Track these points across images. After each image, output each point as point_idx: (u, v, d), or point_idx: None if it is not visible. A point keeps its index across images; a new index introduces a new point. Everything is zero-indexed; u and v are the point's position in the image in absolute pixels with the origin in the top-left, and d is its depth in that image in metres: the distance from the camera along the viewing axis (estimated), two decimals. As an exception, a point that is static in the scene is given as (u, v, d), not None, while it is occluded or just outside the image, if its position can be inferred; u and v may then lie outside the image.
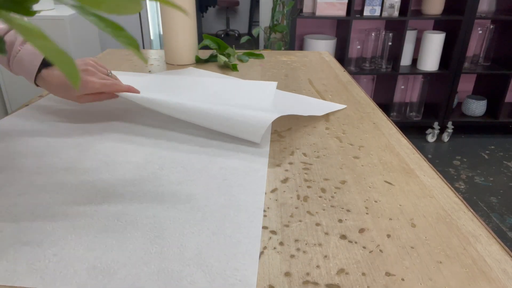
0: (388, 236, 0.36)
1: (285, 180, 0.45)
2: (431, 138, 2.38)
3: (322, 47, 2.19)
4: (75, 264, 0.31)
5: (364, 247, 0.34)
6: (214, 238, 0.35)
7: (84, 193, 0.41)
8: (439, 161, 2.15)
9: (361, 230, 0.37)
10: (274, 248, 0.34)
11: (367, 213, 0.39)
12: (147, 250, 0.33)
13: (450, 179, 1.97)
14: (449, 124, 2.36)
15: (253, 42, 4.50)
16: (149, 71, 0.86)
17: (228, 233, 0.36)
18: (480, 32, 2.28)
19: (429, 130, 2.38)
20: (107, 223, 0.36)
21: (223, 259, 0.32)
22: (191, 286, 0.30)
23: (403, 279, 0.31)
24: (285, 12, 2.10)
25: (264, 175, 0.45)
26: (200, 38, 3.61)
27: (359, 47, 2.34)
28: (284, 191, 0.43)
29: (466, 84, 2.53)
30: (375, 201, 0.41)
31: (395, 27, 2.21)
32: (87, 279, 0.30)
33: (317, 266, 0.32)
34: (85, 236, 0.35)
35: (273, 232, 0.36)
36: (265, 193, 0.42)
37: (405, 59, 2.31)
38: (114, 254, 0.33)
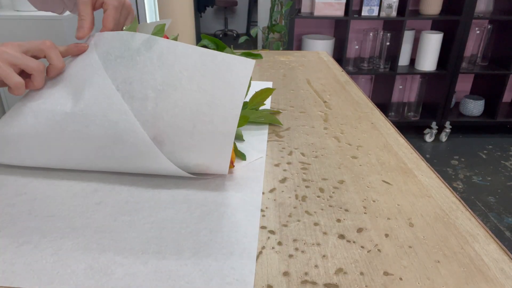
0: (386, 235, 0.36)
1: (283, 180, 0.45)
2: (429, 138, 2.39)
3: (320, 47, 2.19)
4: (72, 265, 0.31)
5: (362, 247, 0.34)
6: (211, 237, 0.35)
7: (81, 193, 0.41)
8: (437, 160, 2.16)
9: (359, 230, 0.37)
10: (273, 247, 0.34)
11: (365, 213, 0.39)
12: (144, 250, 0.33)
13: (448, 178, 1.97)
14: (447, 124, 2.36)
15: (251, 42, 4.51)
16: None
17: (225, 232, 0.36)
18: (478, 32, 2.29)
19: (427, 130, 2.39)
20: (104, 223, 0.36)
21: (220, 258, 0.32)
22: (188, 286, 0.30)
23: (401, 279, 0.31)
24: (283, 12, 2.10)
25: (262, 174, 0.45)
26: (198, 38, 3.60)
27: (357, 47, 2.34)
28: (283, 191, 0.43)
29: (464, 84, 2.54)
30: (373, 201, 0.41)
31: (393, 27, 2.22)
32: (84, 279, 0.30)
33: (316, 266, 0.32)
34: (82, 236, 0.35)
35: (272, 232, 0.36)
36: (264, 193, 0.42)
37: (403, 59, 2.31)
38: (111, 254, 0.33)
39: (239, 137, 0.54)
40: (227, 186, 0.43)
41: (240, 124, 0.54)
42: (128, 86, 0.40)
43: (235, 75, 0.40)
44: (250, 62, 0.40)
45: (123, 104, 0.39)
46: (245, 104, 0.60)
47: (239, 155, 0.48)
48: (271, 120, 0.60)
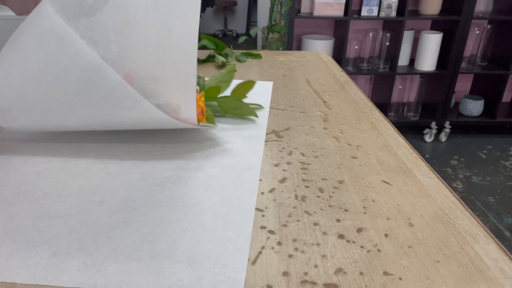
0: (386, 235, 0.36)
1: (283, 180, 0.45)
2: (428, 138, 2.39)
3: (320, 47, 2.19)
4: (66, 261, 0.32)
5: (362, 247, 0.34)
6: (204, 235, 0.35)
7: (79, 191, 0.41)
8: (437, 160, 2.16)
9: (359, 230, 0.37)
10: (272, 248, 0.34)
11: (365, 213, 0.39)
12: (138, 247, 0.33)
13: (447, 178, 1.97)
14: (447, 124, 2.36)
15: (251, 42, 4.51)
16: None
17: (219, 230, 0.36)
18: (477, 32, 2.29)
19: (427, 130, 2.39)
20: (99, 220, 0.36)
21: (213, 257, 0.32)
22: (180, 283, 0.30)
23: (400, 278, 0.31)
24: (283, 12, 2.10)
25: (257, 173, 0.45)
26: (198, 38, 3.59)
27: (356, 47, 2.34)
28: (282, 191, 0.43)
29: (463, 84, 2.54)
30: (373, 201, 0.41)
31: (393, 27, 2.22)
32: (77, 275, 0.30)
33: (315, 266, 0.32)
34: (77, 233, 0.35)
35: (271, 232, 0.36)
36: (263, 193, 0.42)
37: (403, 59, 2.31)
38: (106, 250, 0.33)
39: (210, 120, 0.55)
40: (222, 185, 0.43)
41: (211, 96, 0.55)
42: (91, 32, 0.42)
43: (186, 4, 0.42)
44: None
45: (89, 49, 0.41)
46: (227, 97, 0.60)
47: (246, 112, 0.51)
48: (247, 112, 0.59)
